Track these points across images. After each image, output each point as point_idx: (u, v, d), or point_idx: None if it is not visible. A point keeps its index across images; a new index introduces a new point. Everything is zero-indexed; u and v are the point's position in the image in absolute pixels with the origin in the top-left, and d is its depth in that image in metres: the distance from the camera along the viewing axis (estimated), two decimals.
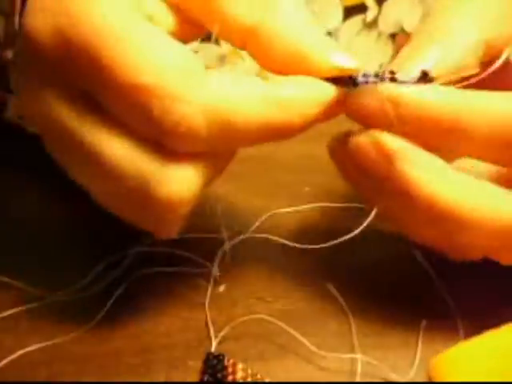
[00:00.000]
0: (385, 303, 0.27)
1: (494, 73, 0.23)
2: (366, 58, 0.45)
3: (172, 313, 0.28)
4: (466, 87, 0.23)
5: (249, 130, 0.21)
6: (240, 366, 0.25)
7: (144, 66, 0.20)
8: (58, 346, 0.26)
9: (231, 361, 0.25)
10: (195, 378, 0.25)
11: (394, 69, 0.23)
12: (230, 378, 0.25)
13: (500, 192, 0.23)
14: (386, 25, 0.44)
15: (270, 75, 0.24)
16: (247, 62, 0.45)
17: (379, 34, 0.45)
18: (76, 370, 0.25)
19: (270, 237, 0.31)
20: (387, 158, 0.22)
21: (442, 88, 0.22)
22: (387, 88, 0.22)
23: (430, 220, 0.23)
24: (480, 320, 0.27)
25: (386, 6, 0.44)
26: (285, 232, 0.32)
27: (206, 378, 0.25)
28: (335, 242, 0.25)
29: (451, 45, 0.24)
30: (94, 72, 0.21)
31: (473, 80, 0.23)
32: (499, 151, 0.23)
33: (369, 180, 0.23)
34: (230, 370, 0.25)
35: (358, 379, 0.25)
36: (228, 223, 0.32)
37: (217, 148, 0.22)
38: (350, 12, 0.44)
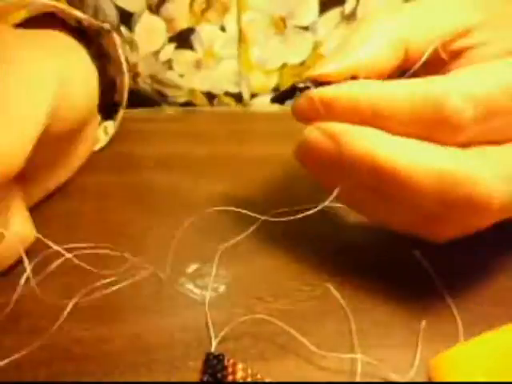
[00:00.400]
0: (385, 303, 0.27)
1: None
2: None
3: (172, 313, 0.28)
4: None
5: None
6: (240, 365, 0.25)
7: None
8: (58, 345, 0.26)
9: (231, 361, 0.25)
10: (195, 378, 0.25)
11: (324, 72, 0.26)
12: (229, 378, 0.25)
13: (434, 147, 0.24)
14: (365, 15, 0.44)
15: None
16: (224, 64, 0.45)
17: None
18: (76, 370, 0.25)
19: (270, 236, 0.31)
20: (332, 137, 0.25)
21: (354, 81, 0.26)
22: (315, 90, 0.26)
23: (377, 186, 0.25)
24: (480, 320, 0.27)
25: None
26: (284, 232, 0.32)
27: (205, 378, 0.25)
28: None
29: (368, 45, 0.27)
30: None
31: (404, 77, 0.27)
32: (421, 129, 0.25)
33: (327, 168, 0.26)
34: (229, 370, 0.25)
35: (358, 379, 0.25)
36: (228, 223, 0.32)
37: None
38: (326, 5, 0.43)
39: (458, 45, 0.28)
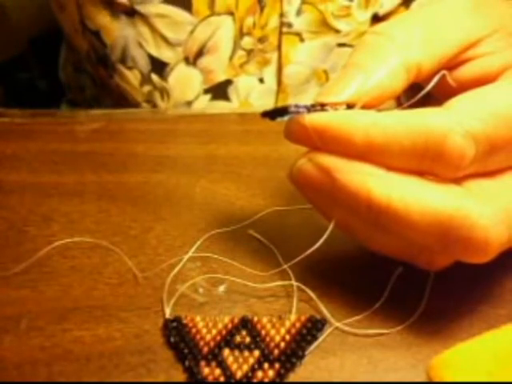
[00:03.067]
0: (384, 303, 0.27)
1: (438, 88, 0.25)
2: None
3: (172, 313, 0.27)
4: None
5: None
6: (198, 318, 0.27)
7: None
8: (58, 345, 0.26)
9: (188, 317, 0.27)
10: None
11: (324, 101, 0.25)
12: (193, 331, 0.26)
13: (428, 184, 0.24)
14: None
15: None
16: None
17: None
18: (76, 370, 0.25)
19: (269, 237, 0.31)
20: (326, 172, 0.25)
21: (350, 111, 0.25)
22: (308, 116, 0.25)
23: (372, 221, 0.25)
24: (480, 320, 0.27)
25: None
26: (284, 232, 0.32)
27: (172, 340, 0.26)
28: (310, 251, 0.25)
29: (373, 70, 0.25)
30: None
31: (405, 105, 0.25)
32: (418, 165, 0.24)
33: (322, 197, 0.26)
34: (190, 325, 0.26)
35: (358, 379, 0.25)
36: (228, 222, 0.32)
37: None
38: None
39: (466, 56, 0.27)
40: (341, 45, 0.43)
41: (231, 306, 0.28)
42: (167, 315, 0.27)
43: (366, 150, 0.24)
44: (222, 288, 0.29)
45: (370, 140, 0.24)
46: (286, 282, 0.28)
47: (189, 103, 0.45)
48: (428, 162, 0.24)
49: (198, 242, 0.31)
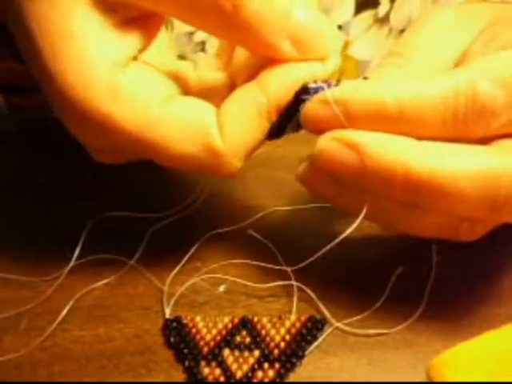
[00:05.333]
0: (384, 303, 0.27)
1: None
2: (375, 52, 0.45)
3: (172, 313, 0.27)
4: None
5: None
6: (198, 318, 0.27)
7: None
8: (58, 345, 0.26)
9: (188, 317, 0.27)
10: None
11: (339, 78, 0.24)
12: (193, 331, 0.26)
13: (467, 149, 0.23)
14: (397, 21, 0.44)
15: None
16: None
17: (390, 30, 0.45)
18: (76, 370, 0.25)
19: (269, 237, 0.31)
20: (354, 148, 0.23)
21: (374, 80, 0.24)
22: (332, 91, 0.23)
23: (412, 200, 0.23)
24: (480, 320, 0.27)
25: (398, 2, 0.44)
26: (284, 232, 0.32)
27: (172, 340, 0.26)
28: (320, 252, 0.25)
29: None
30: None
31: None
32: (453, 125, 0.23)
33: (346, 188, 0.25)
34: (190, 325, 0.26)
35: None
36: (228, 222, 0.32)
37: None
38: (362, 6, 0.44)
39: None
40: None
41: (231, 306, 0.28)
42: (167, 315, 0.27)
43: (399, 118, 0.23)
44: (221, 288, 0.29)
45: (403, 106, 0.23)
46: (286, 282, 0.28)
47: (190, 34, 0.45)
48: (462, 119, 0.23)
49: (199, 242, 0.31)
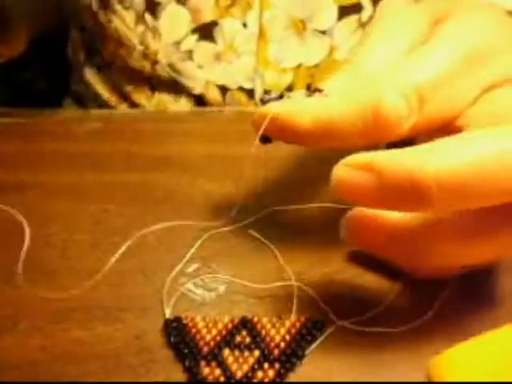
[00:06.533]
0: (386, 305, 0.27)
1: None
2: None
3: (172, 313, 0.27)
4: None
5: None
6: (198, 318, 0.27)
7: None
8: (58, 345, 0.26)
9: (189, 317, 0.27)
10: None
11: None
12: (193, 331, 0.26)
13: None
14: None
15: None
16: (242, 59, 0.46)
17: None
18: (76, 370, 0.25)
19: (269, 237, 0.31)
20: (368, 168, 0.23)
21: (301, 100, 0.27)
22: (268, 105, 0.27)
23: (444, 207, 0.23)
24: (480, 320, 0.27)
25: (381, 5, 0.44)
26: (284, 232, 0.32)
27: (172, 340, 0.26)
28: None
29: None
30: None
31: None
32: (366, 135, 0.25)
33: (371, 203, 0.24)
34: (190, 324, 0.26)
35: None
36: (227, 223, 0.32)
37: None
38: (345, 11, 0.44)
39: None
40: None
41: (231, 306, 0.28)
42: (167, 315, 0.27)
43: (314, 131, 0.25)
44: (222, 288, 0.29)
45: (317, 120, 0.25)
46: (287, 283, 0.28)
47: (177, 43, 0.47)
48: (372, 130, 0.25)
49: (198, 242, 0.31)
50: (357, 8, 0.44)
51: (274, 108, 0.26)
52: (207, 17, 0.45)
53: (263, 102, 0.47)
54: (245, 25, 0.45)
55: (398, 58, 0.27)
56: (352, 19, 0.45)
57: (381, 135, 0.25)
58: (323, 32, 0.45)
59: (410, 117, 0.25)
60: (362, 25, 0.45)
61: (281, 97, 0.47)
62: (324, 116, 0.25)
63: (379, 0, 0.44)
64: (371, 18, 0.44)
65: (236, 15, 0.45)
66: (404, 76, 0.26)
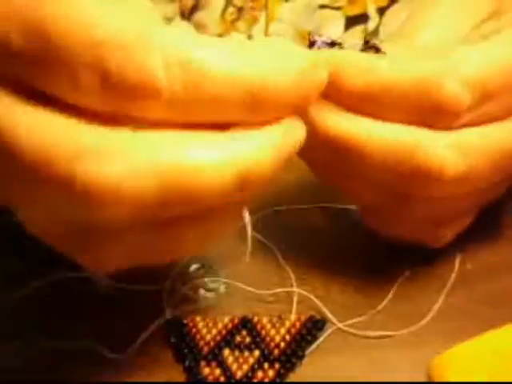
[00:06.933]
0: (386, 305, 0.27)
1: None
2: None
3: (172, 313, 0.27)
4: None
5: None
6: (198, 318, 0.27)
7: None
8: (60, 346, 0.26)
9: (189, 318, 0.27)
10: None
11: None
12: (193, 331, 0.26)
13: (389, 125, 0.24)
14: (387, 34, 0.45)
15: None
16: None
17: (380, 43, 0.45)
18: (76, 370, 0.25)
19: (269, 237, 0.31)
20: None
21: (350, 53, 0.25)
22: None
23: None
24: (480, 320, 0.27)
25: (387, 16, 0.44)
26: (284, 232, 0.32)
27: (172, 340, 0.26)
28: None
29: None
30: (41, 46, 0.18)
31: None
32: (414, 116, 0.24)
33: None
34: (190, 324, 0.26)
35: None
36: None
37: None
38: (351, 22, 0.44)
39: None
40: (323, 6, 0.44)
41: (231, 306, 0.28)
42: (167, 315, 0.27)
43: (364, 96, 0.24)
44: (222, 288, 0.29)
45: (369, 86, 0.23)
46: (286, 283, 0.28)
47: None
48: (425, 111, 0.23)
49: None
50: (363, 18, 0.44)
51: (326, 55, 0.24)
52: (213, 31, 0.45)
53: None
54: (250, 37, 0.45)
55: (466, 35, 0.25)
56: (358, 29, 0.45)
57: (433, 119, 0.23)
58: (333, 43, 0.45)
59: (471, 111, 0.23)
60: (368, 35, 0.45)
61: None
62: (379, 82, 0.23)
63: (385, 10, 0.44)
64: (377, 28, 0.45)
65: (242, 29, 0.45)
66: (471, 64, 0.23)
